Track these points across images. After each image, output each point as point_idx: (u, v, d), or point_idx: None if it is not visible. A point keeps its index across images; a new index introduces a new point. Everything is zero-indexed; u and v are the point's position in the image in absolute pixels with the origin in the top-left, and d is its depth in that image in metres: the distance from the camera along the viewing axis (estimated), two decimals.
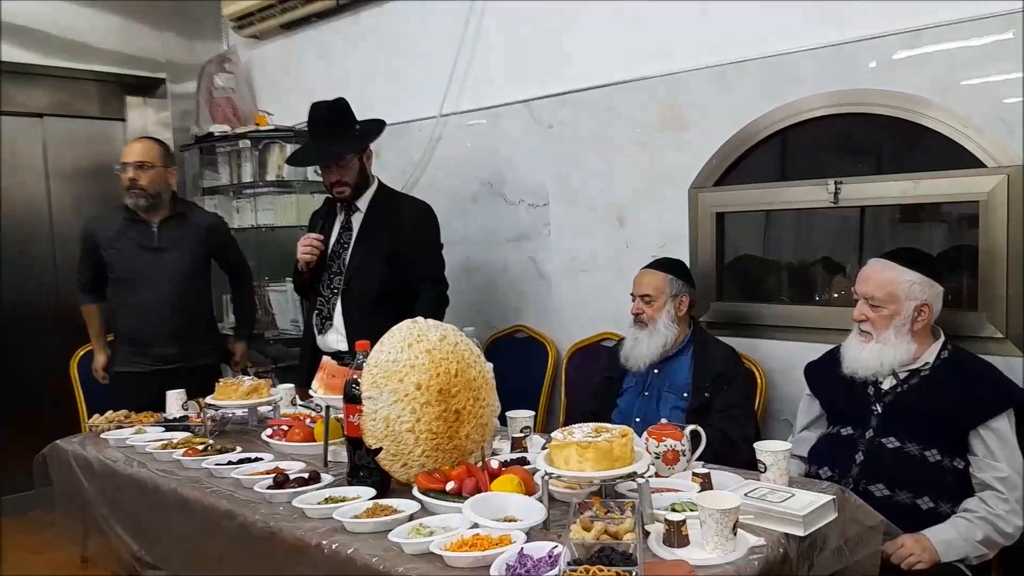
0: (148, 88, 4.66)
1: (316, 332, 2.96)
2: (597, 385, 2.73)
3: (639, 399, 2.56)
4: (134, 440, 2.37)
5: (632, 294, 2.60)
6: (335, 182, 2.87)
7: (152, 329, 3.09)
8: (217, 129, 4.21)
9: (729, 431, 2.33)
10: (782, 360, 2.68)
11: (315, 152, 2.96)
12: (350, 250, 2.93)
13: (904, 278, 2.08)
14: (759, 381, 2.68)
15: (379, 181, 3.02)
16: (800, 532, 1.57)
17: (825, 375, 2.28)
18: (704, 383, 2.45)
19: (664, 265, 2.61)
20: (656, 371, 2.54)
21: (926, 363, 2.09)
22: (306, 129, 3.02)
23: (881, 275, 2.11)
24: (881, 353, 2.09)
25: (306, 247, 2.90)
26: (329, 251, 2.96)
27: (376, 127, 2.99)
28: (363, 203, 2.95)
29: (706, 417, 2.36)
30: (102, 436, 2.46)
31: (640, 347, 2.52)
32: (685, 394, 2.48)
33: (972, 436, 2.01)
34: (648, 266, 2.63)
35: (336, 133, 2.87)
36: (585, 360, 3.15)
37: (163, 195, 3.13)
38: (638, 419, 2.48)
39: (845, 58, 2.49)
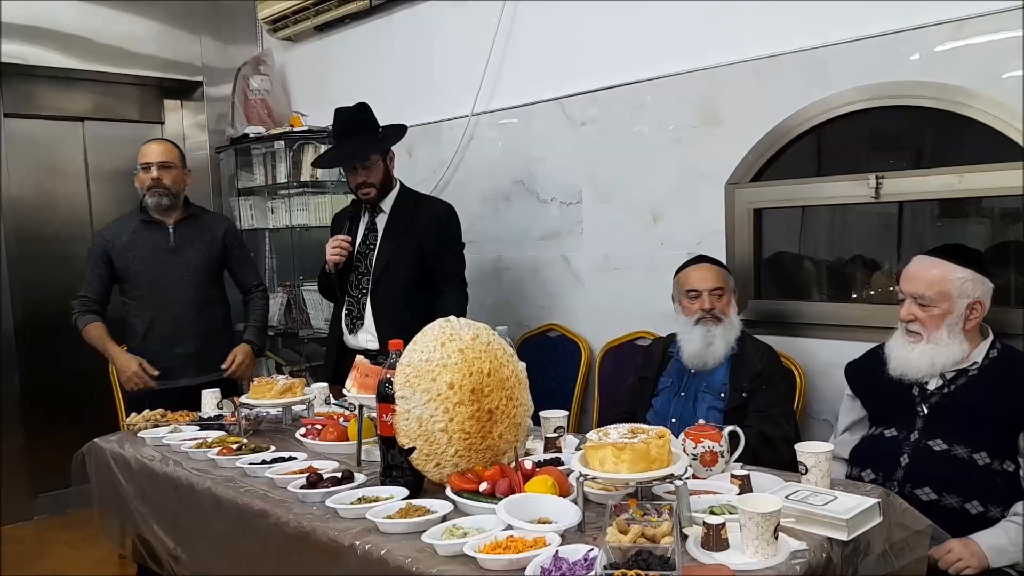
0: (186, 91, 4.73)
1: (347, 332, 3.01)
2: (631, 385, 2.69)
3: (675, 400, 2.51)
4: (170, 439, 2.39)
5: (695, 290, 2.49)
6: (360, 183, 2.93)
7: (171, 329, 3.07)
8: (252, 130, 4.26)
9: (768, 432, 2.28)
10: (821, 359, 2.63)
11: (340, 154, 3.02)
12: (376, 250, 2.98)
13: (955, 275, 2.01)
14: (798, 381, 2.62)
15: (401, 183, 3.07)
16: (844, 536, 1.52)
17: (867, 375, 2.22)
18: (742, 383, 2.40)
19: (714, 261, 2.57)
20: (693, 371, 2.50)
21: (974, 363, 2.03)
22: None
23: (930, 273, 2.04)
24: (932, 354, 2.01)
25: (335, 248, 2.94)
26: (355, 252, 3.01)
27: (397, 131, 3.04)
28: (387, 204, 3.01)
29: (744, 418, 2.31)
30: (139, 435, 2.48)
31: (716, 344, 2.43)
32: (723, 394, 2.43)
33: (1023, 438, 1.95)
34: (701, 261, 2.56)
35: (359, 135, 2.93)
36: (618, 360, 3.12)
37: (180, 196, 3.16)
38: (674, 419, 2.44)
39: (886, 50, 2.42)
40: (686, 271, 2.55)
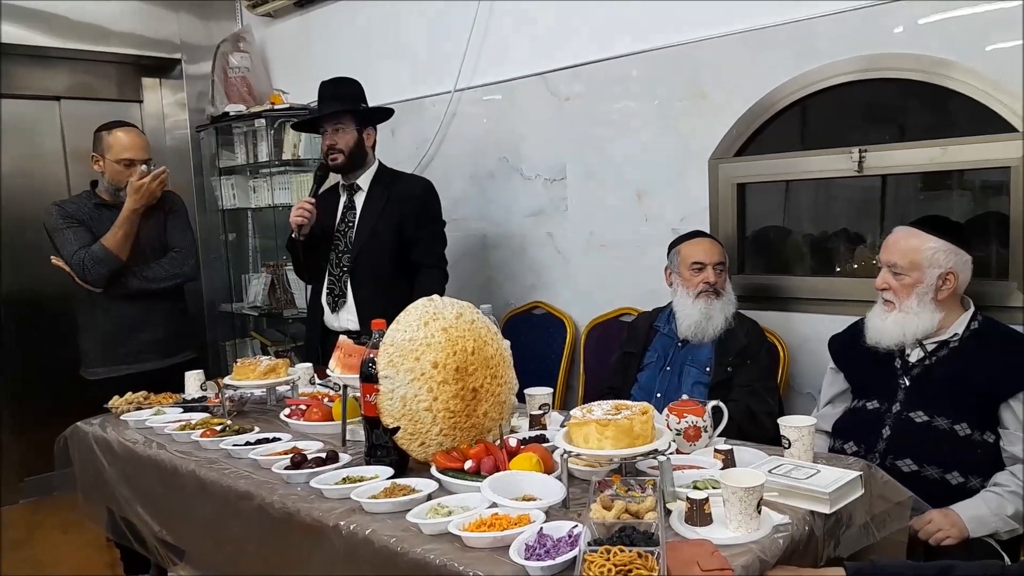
0: (164, 69, 4.65)
1: (328, 310, 3.00)
2: (616, 360, 2.69)
3: (661, 374, 2.51)
4: (153, 421, 2.37)
5: (700, 263, 2.47)
6: (330, 147, 2.92)
7: (138, 314, 3.01)
8: (233, 109, 4.20)
9: (753, 407, 2.29)
10: (805, 333, 2.64)
11: (316, 112, 3.03)
12: (355, 228, 2.96)
13: (927, 245, 2.02)
14: (782, 354, 2.63)
15: (380, 162, 3.06)
16: (826, 510, 1.54)
17: (849, 348, 2.23)
18: (727, 357, 2.41)
19: (712, 235, 2.59)
20: (680, 345, 2.50)
21: (955, 334, 2.04)
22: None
23: (904, 243, 2.06)
24: (904, 322, 2.04)
25: (297, 211, 2.89)
26: (335, 230, 3.00)
27: (382, 110, 3.07)
28: (364, 182, 3.00)
29: (728, 392, 2.32)
30: (121, 418, 2.47)
31: (716, 318, 2.43)
32: (708, 368, 2.44)
33: (1003, 409, 1.96)
34: (700, 235, 2.56)
35: (339, 100, 2.93)
36: (603, 336, 3.12)
37: None
38: (659, 395, 2.45)
39: (870, 23, 2.41)
40: (690, 243, 2.53)
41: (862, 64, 2.43)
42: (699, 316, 2.44)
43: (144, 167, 2.99)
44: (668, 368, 2.51)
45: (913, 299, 2.03)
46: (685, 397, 2.00)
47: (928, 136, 2.37)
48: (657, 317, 2.62)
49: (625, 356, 2.64)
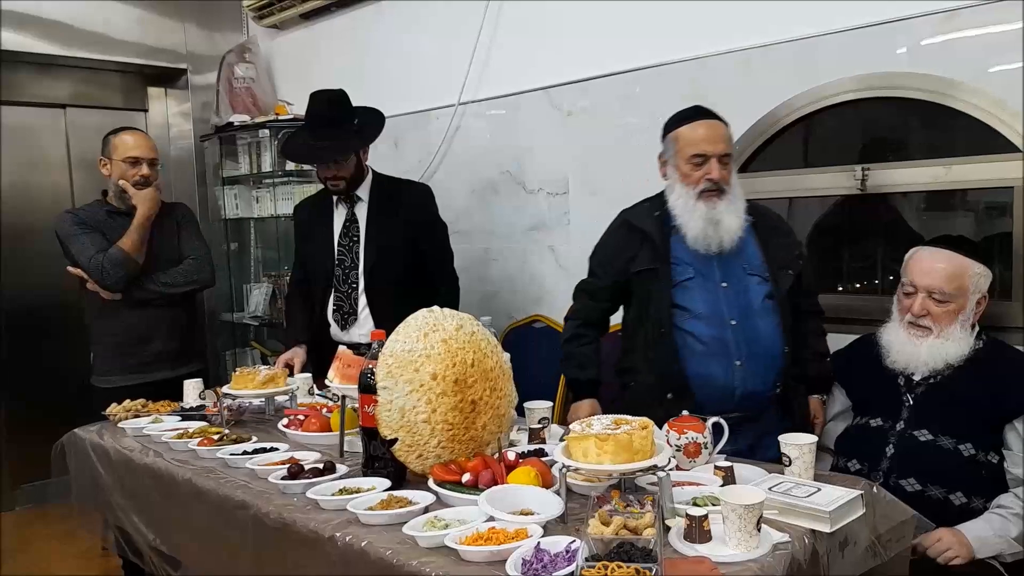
0: (170, 79, 4.69)
1: (337, 327, 2.89)
2: (605, 287, 2.29)
3: (722, 293, 2.10)
4: (151, 429, 2.36)
5: (702, 155, 2.06)
6: (330, 176, 2.82)
7: (150, 324, 2.99)
8: (237, 119, 4.21)
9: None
10: None
11: (314, 149, 2.87)
12: (362, 243, 2.87)
13: (973, 271, 2.00)
14: None
15: (372, 169, 2.95)
16: (826, 528, 1.52)
17: (853, 365, 2.22)
18: (789, 256, 2.17)
19: (717, 115, 2.18)
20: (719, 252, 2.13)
21: (961, 354, 2.02)
22: None
23: (947, 267, 2.00)
24: (943, 349, 1.99)
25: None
26: (336, 246, 2.89)
27: (374, 119, 2.91)
28: (364, 193, 2.89)
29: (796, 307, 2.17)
30: (119, 425, 2.45)
31: (726, 221, 2.05)
32: (767, 274, 2.12)
33: (1007, 430, 1.95)
34: (703, 113, 2.16)
35: (335, 128, 2.81)
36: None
37: None
38: (734, 321, 2.09)
39: (874, 42, 2.41)
40: (691, 127, 2.12)
41: (865, 83, 2.43)
42: (703, 223, 2.07)
43: (149, 168, 2.99)
44: (724, 284, 2.09)
45: (956, 326, 1.99)
46: (685, 413, 1.97)
47: (932, 155, 2.37)
48: (664, 216, 2.15)
49: (641, 275, 2.16)
